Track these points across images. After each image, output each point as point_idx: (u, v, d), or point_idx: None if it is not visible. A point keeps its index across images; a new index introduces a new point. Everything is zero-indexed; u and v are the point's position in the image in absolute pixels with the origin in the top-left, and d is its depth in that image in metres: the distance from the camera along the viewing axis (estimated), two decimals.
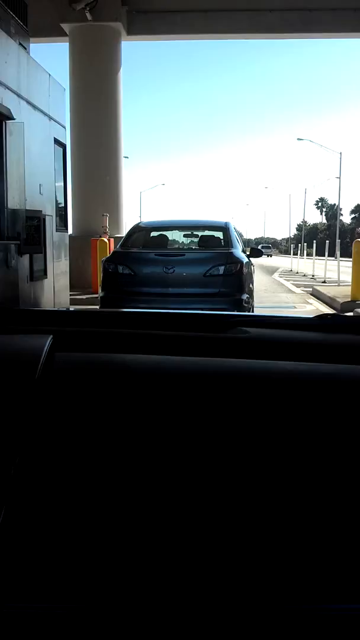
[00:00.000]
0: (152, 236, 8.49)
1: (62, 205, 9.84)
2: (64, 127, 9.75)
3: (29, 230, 7.38)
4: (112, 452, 0.96)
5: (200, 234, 8.89)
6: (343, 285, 16.21)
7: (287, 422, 1.01)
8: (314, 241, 25.07)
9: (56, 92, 9.23)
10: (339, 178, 61.79)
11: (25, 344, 1.10)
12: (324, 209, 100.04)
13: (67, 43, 15.59)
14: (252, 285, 7.95)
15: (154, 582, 0.90)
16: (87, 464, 0.95)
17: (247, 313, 2.02)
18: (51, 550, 0.89)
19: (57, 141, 9.16)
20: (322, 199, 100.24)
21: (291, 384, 1.08)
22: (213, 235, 8.42)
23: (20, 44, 7.95)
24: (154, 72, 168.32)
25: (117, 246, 8.30)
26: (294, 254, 31.03)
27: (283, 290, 17.50)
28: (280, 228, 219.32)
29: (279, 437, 1.00)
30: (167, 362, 1.10)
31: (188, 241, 9.70)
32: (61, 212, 9.74)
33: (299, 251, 30.97)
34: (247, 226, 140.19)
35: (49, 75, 8.81)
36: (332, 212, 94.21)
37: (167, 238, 8.73)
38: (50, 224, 8.68)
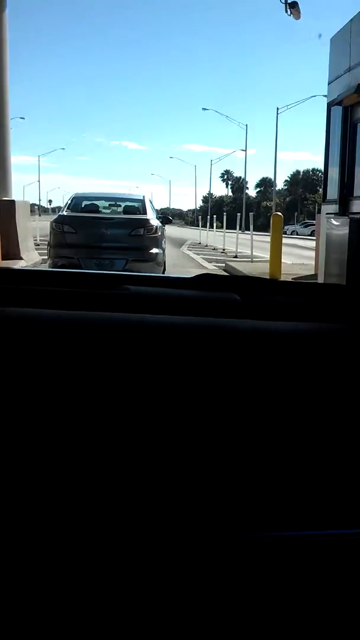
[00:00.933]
0: (86, 204, 10.91)
1: None
2: None
3: None
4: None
5: (123, 204, 11.25)
6: (257, 261, 15.29)
7: (159, 371, 1.12)
8: (224, 214, 24.10)
9: None
10: (245, 150, 61.57)
11: None
12: (230, 182, 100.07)
13: None
14: (165, 243, 10.72)
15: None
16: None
17: (130, 273, 1.60)
18: None
19: None
20: (227, 172, 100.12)
21: (164, 335, 1.17)
22: (134, 205, 10.85)
23: None
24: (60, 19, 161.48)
25: (62, 210, 10.93)
26: (202, 227, 29.91)
27: (194, 265, 16.51)
28: (186, 199, 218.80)
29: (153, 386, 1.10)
30: (59, 315, 1.17)
31: (112, 210, 11.64)
32: None
33: (207, 224, 29.93)
34: (152, 196, 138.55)
35: None
36: (237, 185, 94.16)
37: (98, 206, 11.21)
38: None
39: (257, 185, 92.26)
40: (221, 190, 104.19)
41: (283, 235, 16.13)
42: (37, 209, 34.03)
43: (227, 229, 24.06)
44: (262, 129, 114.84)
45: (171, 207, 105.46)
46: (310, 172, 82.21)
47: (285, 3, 10.31)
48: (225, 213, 24.03)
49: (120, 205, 11.45)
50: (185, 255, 18.96)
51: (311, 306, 1.36)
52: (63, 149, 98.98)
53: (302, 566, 1.10)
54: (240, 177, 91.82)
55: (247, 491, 1.11)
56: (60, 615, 1.03)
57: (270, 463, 1.12)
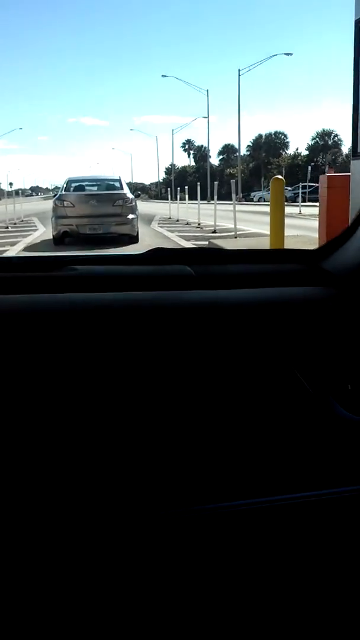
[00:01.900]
0: (76, 185, 14.65)
1: None
2: None
3: None
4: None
5: (104, 183, 15.19)
6: (243, 237, 14.08)
7: (114, 349, 1.11)
8: (198, 184, 22.86)
9: None
10: (207, 117, 60.03)
11: None
12: (192, 152, 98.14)
13: None
14: (137, 211, 14.15)
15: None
16: None
17: (79, 253, 1.90)
18: None
19: None
20: (189, 141, 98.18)
21: (116, 314, 1.15)
22: (113, 184, 14.87)
23: None
24: None
25: (60, 191, 14.47)
26: (171, 199, 28.47)
27: (171, 245, 15.08)
28: (149, 172, 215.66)
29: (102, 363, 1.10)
30: (5, 300, 1.15)
31: (97, 187, 15.09)
32: None
33: (172, 196, 28.59)
34: (115, 171, 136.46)
35: None
36: (200, 153, 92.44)
37: (85, 186, 14.93)
38: None
39: (220, 153, 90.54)
40: (184, 160, 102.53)
41: (250, 203, 14.97)
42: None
43: (191, 200, 22.70)
44: (221, 94, 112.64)
45: (134, 182, 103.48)
46: (273, 135, 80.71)
47: None
48: (198, 184, 22.65)
49: (102, 185, 15.31)
50: (158, 233, 17.70)
51: (270, 273, 1.35)
52: (21, 128, 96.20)
53: (298, 527, 1.12)
54: (202, 146, 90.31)
55: (223, 460, 1.12)
56: (56, 589, 1.03)
57: (236, 432, 1.12)
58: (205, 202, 21.75)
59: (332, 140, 72.51)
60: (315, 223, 9.22)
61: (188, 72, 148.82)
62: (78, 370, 1.10)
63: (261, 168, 75.45)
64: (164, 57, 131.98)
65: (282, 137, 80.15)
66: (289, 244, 10.14)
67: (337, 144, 71.92)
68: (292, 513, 1.14)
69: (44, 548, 1.04)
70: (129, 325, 1.14)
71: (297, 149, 74.34)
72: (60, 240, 13.46)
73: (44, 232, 18.60)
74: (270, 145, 79.43)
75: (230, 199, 16.38)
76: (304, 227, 15.84)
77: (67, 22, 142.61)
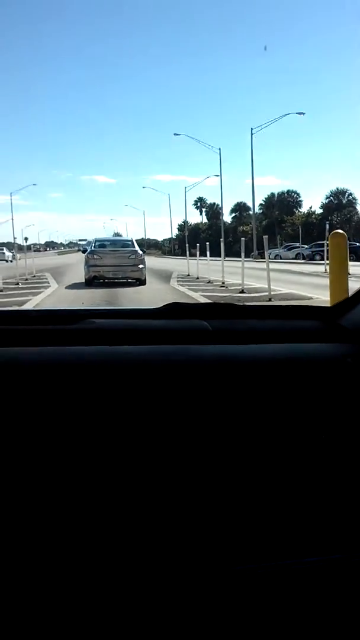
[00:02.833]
0: (101, 243, 20.53)
1: None
2: None
3: None
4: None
5: (121, 242, 21.22)
6: (279, 300, 12.69)
7: (133, 402, 1.10)
8: (221, 240, 21.75)
9: None
10: (220, 175, 59.85)
11: None
12: (204, 209, 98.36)
13: None
14: (145, 262, 18.88)
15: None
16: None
17: (96, 308, 2.04)
18: None
19: None
20: (201, 199, 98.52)
21: (131, 367, 1.15)
22: (127, 243, 20.47)
23: None
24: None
25: (90, 247, 19.94)
26: (183, 256, 27.24)
27: None
28: (161, 229, 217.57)
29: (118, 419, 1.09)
30: (24, 353, 1.16)
31: (115, 245, 20.37)
32: None
33: (188, 252, 27.55)
34: (128, 227, 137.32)
35: None
36: (212, 211, 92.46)
37: (106, 244, 20.45)
38: None
39: (232, 211, 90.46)
40: (196, 218, 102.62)
41: (267, 260, 13.91)
42: (15, 247, 33.56)
43: (202, 256, 22.67)
44: (231, 154, 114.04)
45: (147, 238, 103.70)
46: (285, 194, 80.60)
47: None
48: (223, 240, 21.50)
49: (119, 243, 21.03)
50: (180, 292, 16.23)
51: (287, 329, 1.35)
52: (35, 184, 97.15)
53: (302, 593, 1.09)
54: (214, 204, 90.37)
55: (238, 521, 1.10)
56: None
57: (254, 490, 1.10)
58: (219, 258, 21.26)
59: (346, 199, 72.17)
60: (352, 284, 7.81)
61: (199, 133, 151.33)
62: (95, 423, 1.08)
63: (274, 226, 75.14)
64: (175, 118, 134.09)
65: (295, 195, 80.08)
66: None
67: (351, 203, 71.51)
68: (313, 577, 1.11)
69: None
70: (145, 379, 1.14)
71: (310, 207, 74.01)
72: (90, 282, 18.35)
73: (56, 289, 17.39)
74: (283, 204, 79.31)
75: (244, 257, 15.32)
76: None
77: (76, 79, 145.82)
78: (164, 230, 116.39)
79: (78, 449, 1.08)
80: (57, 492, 1.07)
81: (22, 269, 22.28)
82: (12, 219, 70.56)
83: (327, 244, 13.67)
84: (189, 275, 23.71)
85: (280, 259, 53.16)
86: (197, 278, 21.74)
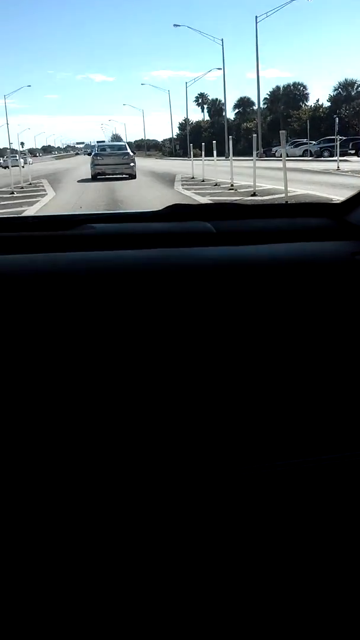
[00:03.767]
0: (102, 146, 26.88)
1: None
2: None
3: None
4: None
5: (117, 146, 26.97)
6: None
7: (137, 306, 1.08)
8: (230, 138, 20.23)
9: None
10: (223, 68, 56.74)
11: None
12: (206, 106, 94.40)
13: None
14: (135, 161, 24.16)
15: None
16: None
17: (95, 212, 1.98)
18: None
19: None
20: (202, 95, 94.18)
21: (132, 271, 1.11)
22: (121, 146, 26.65)
23: None
24: None
25: (94, 151, 25.75)
26: (187, 156, 26.06)
27: None
28: (161, 128, 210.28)
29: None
30: (20, 260, 1.13)
31: (112, 148, 25.97)
32: None
33: (190, 152, 26.14)
34: (127, 128, 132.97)
35: None
36: (214, 107, 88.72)
37: (106, 147, 26.37)
38: None
39: (236, 106, 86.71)
40: (197, 115, 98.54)
41: (272, 159, 12.72)
42: (8, 152, 33.07)
43: (207, 156, 21.88)
44: (233, 47, 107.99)
45: (146, 139, 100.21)
46: (291, 87, 76.93)
47: None
48: (231, 137, 20.07)
49: (115, 147, 26.32)
50: (187, 198, 14.95)
51: (293, 228, 1.30)
52: (29, 86, 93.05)
53: (302, 492, 1.10)
54: (216, 99, 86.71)
55: (240, 424, 1.09)
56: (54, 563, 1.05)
57: (254, 393, 1.09)
58: (223, 158, 20.42)
59: (355, 91, 68.76)
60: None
61: (200, 24, 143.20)
62: (97, 329, 1.06)
63: (280, 121, 72.11)
64: (174, 6, 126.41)
65: (302, 88, 76.41)
66: None
67: None
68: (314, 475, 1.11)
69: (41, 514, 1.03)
70: (146, 283, 1.10)
71: (317, 101, 70.70)
72: (95, 177, 23.24)
73: (52, 197, 16.33)
74: (289, 97, 75.86)
75: (247, 154, 14.08)
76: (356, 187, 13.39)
77: None
78: (164, 130, 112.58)
79: (76, 356, 1.05)
80: (55, 404, 1.04)
81: (17, 176, 21.10)
82: (7, 124, 68.01)
83: (338, 138, 12.66)
84: (193, 177, 22.16)
85: (287, 156, 51.11)
86: (203, 181, 20.22)
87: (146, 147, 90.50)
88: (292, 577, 1.15)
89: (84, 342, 1.07)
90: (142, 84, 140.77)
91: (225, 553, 1.11)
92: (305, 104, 73.14)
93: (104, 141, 42.30)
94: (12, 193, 17.81)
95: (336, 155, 25.86)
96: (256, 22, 44.77)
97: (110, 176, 22.65)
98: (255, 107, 61.42)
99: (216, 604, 1.12)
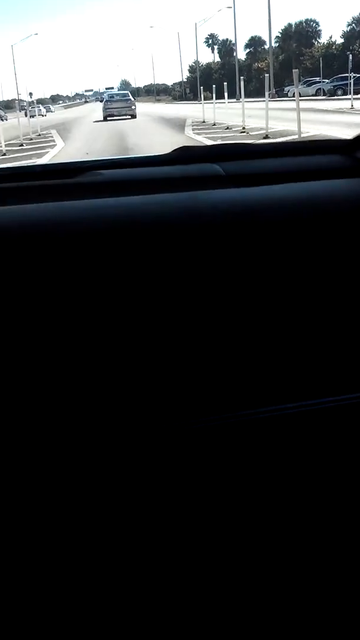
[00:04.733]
0: (110, 94, 35.99)
1: None
2: None
3: None
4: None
5: (121, 94, 36.52)
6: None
7: (147, 251, 1.06)
8: (241, 79, 19.79)
9: None
10: (233, 7, 54.92)
11: None
12: (216, 47, 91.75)
13: None
14: (135, 105, 31.75)
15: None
16: None
17: (102, 158, 1.55)
18: None
19: None
20: (212, 35, 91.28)
21: (140, 217, 1.10)
22: (125, 94, 35.47)
23: None
24: None
25: (105, 99, 34.03)
26: (198, 100, 25.51)
27: None
28: (171, 72, 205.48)
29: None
30: (25, 210, 1.12)
31: (119, 95, 34.78)
32: None
33: (200, 96, 25.56)
34: (135, 73, 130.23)
35: None
36: (225, 48, 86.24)
37: (114, 95, 35.63)
38: None
39: (246, 46, 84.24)
40: (207, 57, 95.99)
41: (285, 99, 12.40)
42: (17, 104, 33.26)
43: (218, 99, 21.38)
44: None
45: (155, 83, 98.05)
46: (304, 24, 74.42)
47: None
48: (242, 78, 19.60)
49: (120, 94, 34.93)
50: (198, 143, 14.66)
51: (305, 167, 1.27)
52: (36, 34, 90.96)
53: (302, 437, 1.09)
54: (227, 40, 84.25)
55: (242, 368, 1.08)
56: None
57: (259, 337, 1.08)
58: (235, 100, 19.89)
59: None
60: None
61: None
62: (107, 274, 1.05)
63: (292, 60, 70.06)
64: None
65: (314, 25, 73.91)
66: None
67: None
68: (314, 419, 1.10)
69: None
70: (157, 228, 1.09)
71: (330, 37, 68.53)
72: (105, 118, 29.49)
73: (62, 148, 16.13)
74: (301, 35, 73.46)
75: (259, 96, 13.71)
76: None
77: None
78: (174, 74, 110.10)
79: (81, 300, 1.05)
80: (59, 349, 1.02)
81: (25, 127, 20.82)
82: (15, 74, 66.87)
83: (352, 76, 12.25)
84: (204, 121, 21.66)
85: (300, 96, 49.77)
86: (214, 124, 19.81)
87: (155, 91, 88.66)
88: (294, 528, 1.14)
89: (93, 288, 1.06)
90: (150, 27, 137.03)
91: (224, 501, 1.10)
92: (318, 42, 70.95)
93: (112, 87, 51.15)
94: (21, 145, 17.63)
95: (350, 94, 25.19)
96: None
97: (117, 117, 29.85)
98: (267, 47, 59.62)
99: (214, 565, 1.11)
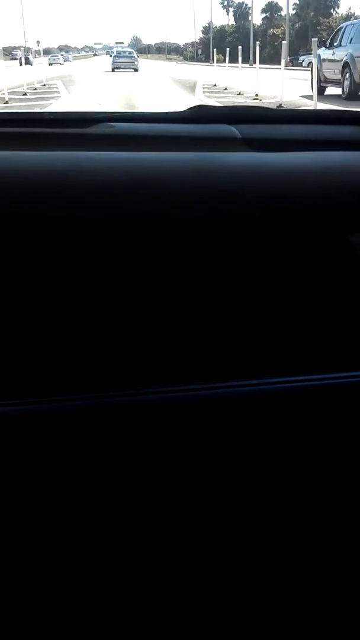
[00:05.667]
0: (117, 51, 50.33)
1: None
2: None
3: None
4: None
5: (127, 50, 51.82)
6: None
7: (154, 209, 1.04)
8: (257, 44, 19.15)
9: None
10: None
11: None
12: (231, 9, 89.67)
13: None
14: (138, 61, 42.95)
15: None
16: None
17: (115, 111, 1.93)
18: None
19: None
20: None
21: (150, 174, 1.08)
22: (130, 52, 49.78)
23: None
24: None
25: (113, 54, 47.79)
26: (207, 61, 24.89)
27: None
28: (183, 31, 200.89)
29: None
30: (29, 157, 1.10)
31: (125, 52, 48.52)
32: None
33: (212, 57, 24.88)
34: (147, 31, 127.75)
35: None
36: (240, 11, 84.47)
37: (121, 51, 49.74)
38: None
39: (263, 11, 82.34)
40: (222, 19, 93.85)
41: (299, 68, 11.94)
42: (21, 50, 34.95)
43: (231, 62, 20.67)
44: None
45: (167, 42, 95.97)
46: None
47: None
48: (258, 45, 18.96)
49: (126, 51, 48.91)
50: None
51: (326, 136, 1.26)
52: None
53: (302, 412, 1.07)
54: (242, 3, 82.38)
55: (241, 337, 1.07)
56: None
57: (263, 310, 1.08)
58: (248, 65, 19.37)
59: None
60: None
61: None
62: (115, 227, 1.04)
63: (309, 29, 68.48)
64: None
65: None
66: None
67: None
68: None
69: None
70: (169, 188, 1.08)
71: (349, 9, 67.00)
72: (113, 70, 36.73)
73: (66, 99, 15.59)
74: (319, 4, 71.87)
75: (274, 62, 13.23)
76: None
77: None
78: (186, 33, 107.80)
79: (83, 253, 1.02)
80: (58, 302, 1.02)
81: (30, 76, 20.17)
82: (23, 20, 65.19)
83: None
84: (215, 85, 20.93)
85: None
86: (225, 89, 19.17)
87: (167, 50, 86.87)
88: (293, 514, 1.12)
89: (101, 237, 1.03)
90: None
91: (218, 479, 1.07)
92: (336, 12, 69.44)
93: (122, 42, 60.02)
94: (25, 94, 17.07)
95: None
96: None
97: (124, 69, 38.29)
98: (283, 13, 58.18)
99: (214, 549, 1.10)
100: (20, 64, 31.55)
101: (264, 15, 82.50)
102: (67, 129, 1.22)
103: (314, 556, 1.15)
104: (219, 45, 41.12)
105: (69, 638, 1.07)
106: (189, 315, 1.06)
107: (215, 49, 28.48)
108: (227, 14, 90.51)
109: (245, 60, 26.37)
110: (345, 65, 13.87)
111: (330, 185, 1.13)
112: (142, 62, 52.32)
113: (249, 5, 70.08)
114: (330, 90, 15.01)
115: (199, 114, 1.31)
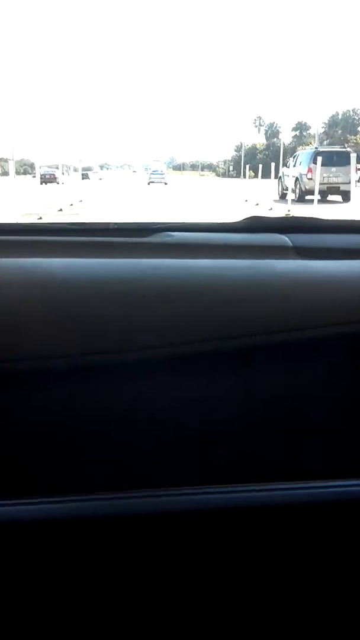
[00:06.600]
0: (152, 169, 53.70)
1: None
2: None
3: None
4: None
5: (159, 169, 53.83)
6: None
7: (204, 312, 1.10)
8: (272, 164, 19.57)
9: None
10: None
11: None
12: (262, 127, 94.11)
13: None
14: (166, 177, 49.59)
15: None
16: None
17: (171, 222, 1.37)
18: None
19: None
20: (259, 117, 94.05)
21: (208, 280, 1.15)
22: (161, 170, 52.73)
23: None
24: None
25: (149, 171, 52.58)
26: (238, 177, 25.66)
27: None
28: (216, 149, 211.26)
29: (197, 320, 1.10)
30: (97, 265, 1.16)
31: (157, 170, 51.92)
32: None
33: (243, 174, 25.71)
34: (180, 150, 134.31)
35: None
36: (271, 130, 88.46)
37: (153, 170, 53.38)
38: None
39: (294, 129, 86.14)
40: (253, 138, 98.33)
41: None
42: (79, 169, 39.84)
43: (262, 178, 21.95)
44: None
45: (201, 160, 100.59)
46: (351, 112, 76.07)
47: None
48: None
49: (158, 169, 52.14)
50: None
51: None
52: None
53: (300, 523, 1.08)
54: (273, 123, 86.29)
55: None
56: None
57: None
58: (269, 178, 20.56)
59: None
60: None
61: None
62: (175, 328, 1.09)
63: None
64: None
65: None
66: None
67: None
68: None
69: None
70: (223, 293, 1.13)
71: None
72: (149, 183, 41.60)
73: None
74: (347, 122, 75.01)
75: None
76: None
77: None
78: (219, 151, 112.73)
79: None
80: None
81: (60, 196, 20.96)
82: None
83: None
84: (252, 203, 21.15)
85: None
86: (271, 208, 19.38)
87: (200, 167, 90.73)
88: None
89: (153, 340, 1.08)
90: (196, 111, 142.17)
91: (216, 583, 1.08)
92: None
93: (159, 160, 66.37)
94: (60, 210, 17.71)
95: None
96: None
97: (156, 183, 44.02)
98: (312, 132, 60.62)
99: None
100: (42, 183, 25.05)
101: (294, 133, 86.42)
102: (131, 238, 1.28)
103: None
104: (250, 162, 42.63)
105: None
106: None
107: (247, 165, 29.59)
108: (259, 132, 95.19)
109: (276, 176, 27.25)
110: (296, 179, 21.62)
111: None
112: (176, 177, 56.19)
113: (279, 124, 73.12)
114: (289, 195, 20.15)
115: (253, 224, 1.36)
